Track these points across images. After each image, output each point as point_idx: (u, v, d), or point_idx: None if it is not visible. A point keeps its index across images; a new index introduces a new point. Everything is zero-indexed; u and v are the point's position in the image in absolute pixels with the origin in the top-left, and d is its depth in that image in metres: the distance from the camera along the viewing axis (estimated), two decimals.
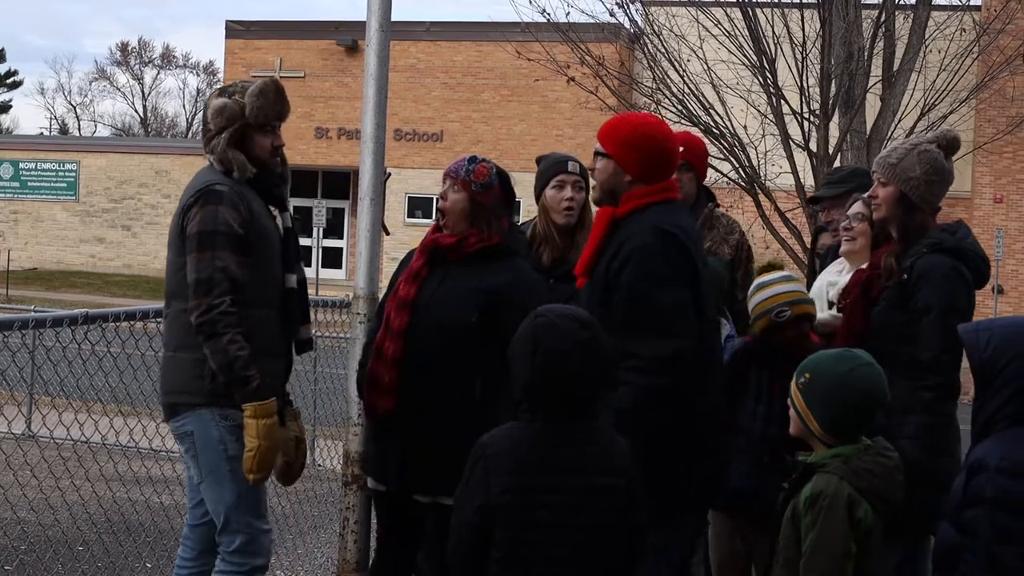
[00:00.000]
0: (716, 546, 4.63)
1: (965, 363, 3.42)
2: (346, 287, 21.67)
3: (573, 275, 4.01)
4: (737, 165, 16.41)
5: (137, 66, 70.08)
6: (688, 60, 16.42)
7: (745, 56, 16.43)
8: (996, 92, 20.82)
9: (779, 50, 16.24)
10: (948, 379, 3.92)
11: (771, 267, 4.54)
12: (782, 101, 16.36)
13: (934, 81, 17.10)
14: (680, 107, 16.33)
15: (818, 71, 16.31)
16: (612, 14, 17.74)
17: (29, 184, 35.18)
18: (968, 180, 25.57)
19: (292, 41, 32.25)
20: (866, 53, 16.69)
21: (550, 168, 4.59)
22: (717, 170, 16.08)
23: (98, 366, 5.15)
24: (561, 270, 4.41)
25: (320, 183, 32.93)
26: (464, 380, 3.94)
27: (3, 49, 67.71)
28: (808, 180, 16.41)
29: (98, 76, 70.46)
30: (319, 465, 8.24)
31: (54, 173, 35.01)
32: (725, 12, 16.47)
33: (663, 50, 16.57)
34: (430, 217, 28.09)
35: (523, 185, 4.70)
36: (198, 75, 72.27)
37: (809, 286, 5.12)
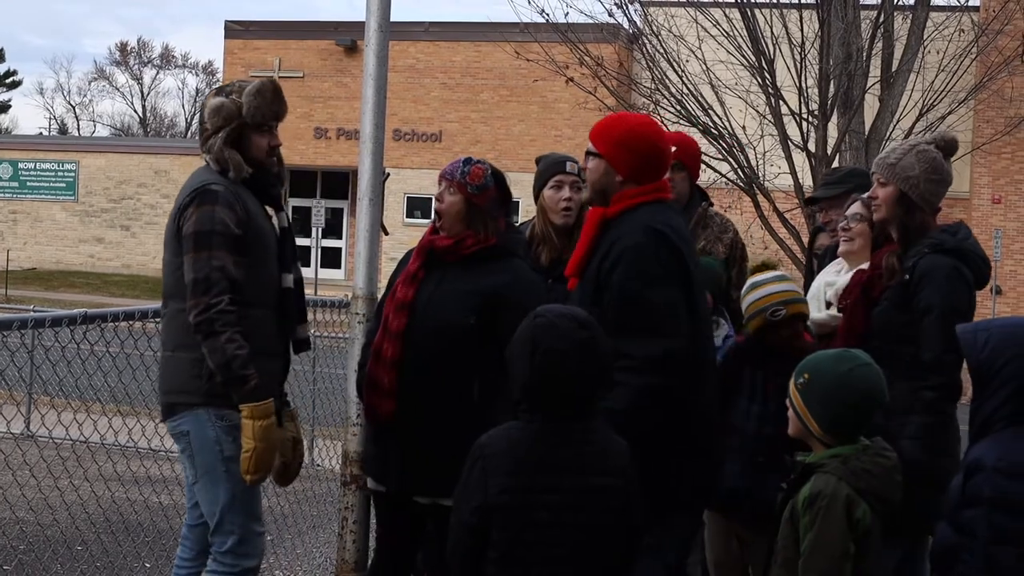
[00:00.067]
0: (712, 546, 4.62)
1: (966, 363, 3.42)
2: (345, 287, 21.65)
3: None
4: (736, 165, 16.42)
5: (136, 66, 70.18)
6: (687, 61, 16.43)
7: (744, 57, 16.44)
8: (994, 93, 20.85)
9: (778, 51, 16.25)
10: (950, 379, 3.92)
11: (765, 267, 4.54)
12: (781, 102, 16.37)
13: (932, 82, 17.10)
14: (679, 107, 16.35)
15: (817, 72, 16.31)
16: (611, 14, 17.79)
17: (28, 184, 35.16)
18: (966, 181, 25.56)
19: (291, 41, 32.25)
20: (865, 54, 16.70)
21: (548, 168, 4.59)
22: (716, 170, 16.10)
23: (97, 366, 5.14)
24: (559, 270, 4.39)
25: (319, 183, 32.94)
26: (462, 381, 3.93)
27: (2, 49, 67.90)
28: (807, 180, 16.41)
29: (97, 76, 70.60)
30: (318, 465, 8.24)
31: (53, 173, 34.99)
32: (724, 12, 16.48)
33: (662, 51, 16.59)
34: (429, 217, 28.04)
35: (522, 185, 4.70)
36: (197, 75, 72.42)
37: (807, 287, 5.12)
